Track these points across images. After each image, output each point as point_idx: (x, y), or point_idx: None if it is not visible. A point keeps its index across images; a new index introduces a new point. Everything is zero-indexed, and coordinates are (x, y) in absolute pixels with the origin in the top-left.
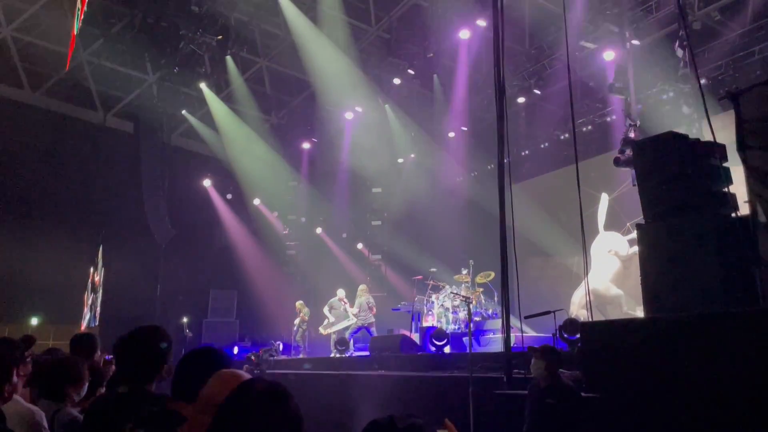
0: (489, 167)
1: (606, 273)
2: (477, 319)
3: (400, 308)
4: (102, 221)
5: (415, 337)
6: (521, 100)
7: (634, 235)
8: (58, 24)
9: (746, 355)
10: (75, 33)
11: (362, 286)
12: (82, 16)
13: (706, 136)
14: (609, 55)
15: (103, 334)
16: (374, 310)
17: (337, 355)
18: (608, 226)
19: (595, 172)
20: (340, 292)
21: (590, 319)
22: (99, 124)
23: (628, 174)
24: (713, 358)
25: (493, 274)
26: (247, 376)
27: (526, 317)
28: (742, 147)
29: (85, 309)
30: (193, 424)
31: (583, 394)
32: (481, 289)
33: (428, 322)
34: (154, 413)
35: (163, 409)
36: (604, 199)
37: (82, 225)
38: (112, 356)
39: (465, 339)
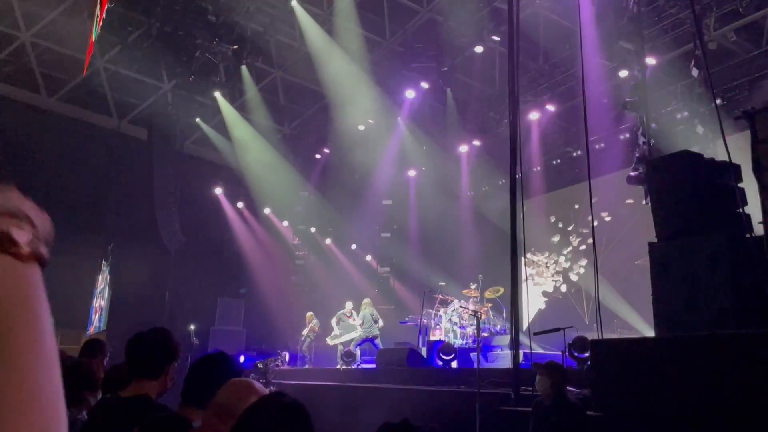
0: (501, 182)
1: None
2: (485, 334)
3: (408, 321)
4: (113, 227)
5: (423, 350)
6: (535, 115)
7: None
8: (76, 30)
9: (758, 376)
10: (93, 40)
11: (366, 300)
12: (101, 24)
13: (721, 156)
14: (624, 72)
15: (110, 339)
16: (380, 322)
17: (344, 367)
18: None
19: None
20: (348, 305)
21: (600, 337)
22: (113, 130)
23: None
24: (724, 379)
25: (502, 290)
26: (260, 386)
27: (534, 333)
28: (757, 167)
29: (95, 314)
30: (206, 430)
31: (589, 413)
32: (490, 305)
33: (436, 336)
34: (161, 418)
35: (170, 415)
36: None
37: (93, 230)
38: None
39: (473, 354)
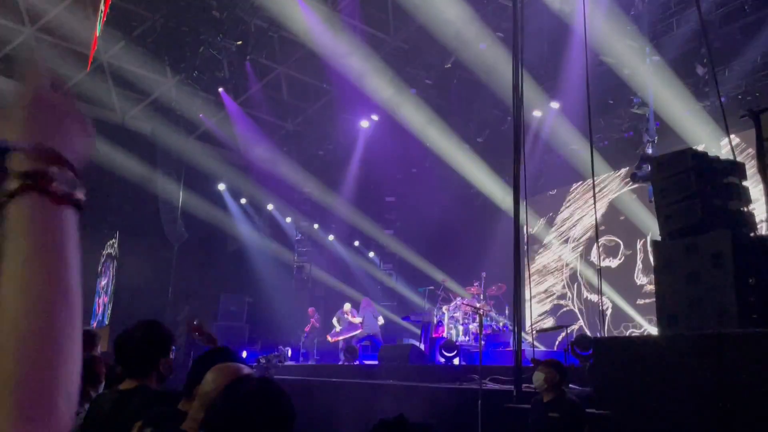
0: (504, 180)
1: None
2: (487, 331)
3: (410, 318)
4: (116, 222)
5: (425, 347)
6: (538, 113)
7: None
8: (80, 25)
9: (761, 376)
10: (97, 35)
11: (366, 299)
12: (105, 18)
13: (725, 155)
14: (628, 70)
15: (113, 334)
16: (381, 319)
17: (346, 363)
18: None
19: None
20: (346, 306)
21: (602, 335)
22: (117, 124)
23: None
24: (727, 378)
25: (504, 287)
26: (243, 368)
27: (537, 331)
28: (762, 166)
29: (98, 309)
30: (191, 420)
31: (591, 410)
32: (493, 302)
33: (438, 333)
34: (163, 412)
35: (173, 409)
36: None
37: (96, 225)
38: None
39: (475, 351)
